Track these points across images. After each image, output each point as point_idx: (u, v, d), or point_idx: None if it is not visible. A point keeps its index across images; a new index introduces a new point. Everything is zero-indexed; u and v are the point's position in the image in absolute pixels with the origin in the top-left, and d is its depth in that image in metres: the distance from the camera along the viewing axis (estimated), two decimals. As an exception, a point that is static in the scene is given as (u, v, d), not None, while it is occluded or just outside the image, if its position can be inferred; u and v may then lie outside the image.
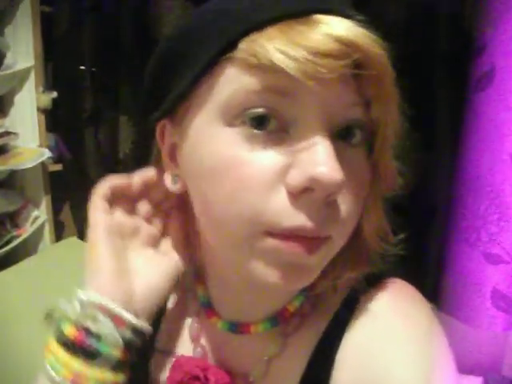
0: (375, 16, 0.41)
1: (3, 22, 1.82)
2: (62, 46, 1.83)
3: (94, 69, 1.75)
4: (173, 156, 0.50)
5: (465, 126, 1.33)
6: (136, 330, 0.48)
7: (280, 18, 0.39)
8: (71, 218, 1.95)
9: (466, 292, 1.40)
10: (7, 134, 1.78)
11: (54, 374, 0.45)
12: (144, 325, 0.49)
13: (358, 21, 0.40)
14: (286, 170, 0.40)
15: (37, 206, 1.90)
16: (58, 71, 1.88)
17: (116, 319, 0.47)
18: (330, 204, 0.41)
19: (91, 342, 0.45)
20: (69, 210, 1.97)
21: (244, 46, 0.39)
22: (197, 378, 0.52)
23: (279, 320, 0.53)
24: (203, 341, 0.57)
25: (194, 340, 0.57)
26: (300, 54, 0.37)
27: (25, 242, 1.84)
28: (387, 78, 0.41)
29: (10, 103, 1.87)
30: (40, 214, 1.89)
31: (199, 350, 0.56)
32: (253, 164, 0.40)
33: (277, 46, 0.37)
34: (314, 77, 0.37)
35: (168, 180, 0.50)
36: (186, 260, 0.56)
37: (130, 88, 1.68)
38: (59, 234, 2.00)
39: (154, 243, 0.55)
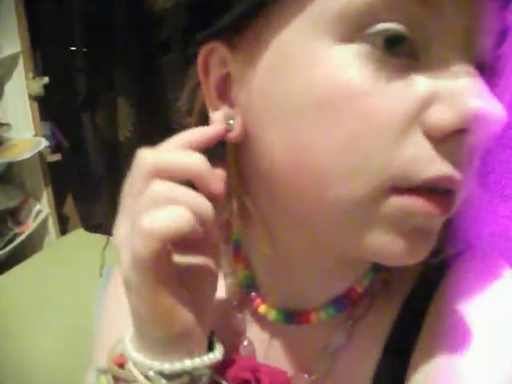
0: None
1: (-17, 8, 1.74)
2: (49, 28, 1.74)
3: (85, 49, 1.66)
4: (223, 91, 0.38)
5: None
6: None
7: None
8: (75, 210, 1.87)
9: (497, 248, 1.34)
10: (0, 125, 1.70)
11: None
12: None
13: None
14: (424, 106, 0.30)
15: (38, 199, 1.83)
16: (48, 55, 1.79)
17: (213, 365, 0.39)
18: (470, 155, 0.32)
19: None
20: (72, 201, 1.89)
21: None
22: (247, 382, 0.43)
23: (345, 303, 0.44)
24: (250, 334, 0.48)
25: (239, 335, 0.48)
26: None
27: (29, 238, 1.78)
28: None
29: (0, 93, 1.79)
30: (42, 208, 1.82)
31: (246, 345, 0.47)
32: (383, 97, 0.30)
33: None
34: None
35: (220, 123, 0.38)
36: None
37: (125, 67, 1.60)
38: (64, 226, 1.93)
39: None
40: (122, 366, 0.37)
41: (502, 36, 0.33)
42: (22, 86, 1.73)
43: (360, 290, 0.44)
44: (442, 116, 0.30)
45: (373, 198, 0.32)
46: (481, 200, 1.30)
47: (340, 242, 0.37)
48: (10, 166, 1.78)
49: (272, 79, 0.34)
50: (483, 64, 0.33)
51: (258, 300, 0.47)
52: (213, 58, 0.38)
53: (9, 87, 1.77)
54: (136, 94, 1.59)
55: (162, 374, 0.36)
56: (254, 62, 0.35)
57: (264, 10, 0.33)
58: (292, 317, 0.45)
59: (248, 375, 0.43)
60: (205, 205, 0.34)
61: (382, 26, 0.30)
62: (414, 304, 0.43)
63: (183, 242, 0.35)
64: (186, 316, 0.35)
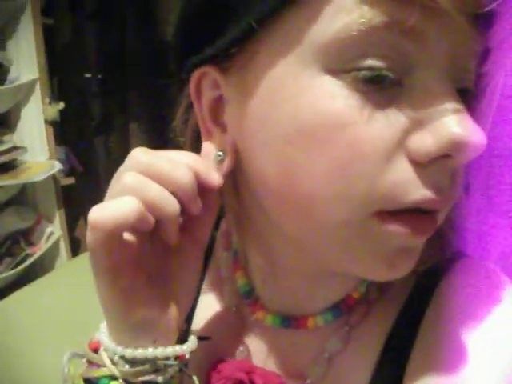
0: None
1: (5, 36, 1.81)
2: (65, 56, 1.82)
3: (100, 75, 1.72)
4: (216, 114, 0.39)
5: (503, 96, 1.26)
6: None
7: None
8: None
9: (505, 270, 1.31)
10: (15, 148, 1.75)
11: None
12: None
13: None
14: (407, 133, 0.31)
15: (51, 221, 1.86)
16: (64, 81, 1.86)
17: (180, 358, 0.39)
18: (453, 178, 0.33)
19: None
20: (84, 225, 1.92)
21: None
22: (241, 382, 0.44)
23: (342, 309, 0.45)
24: (246, 339, 0.49)
25: (236, 339, 0.49)
26: None
27: (41, 259, 1.81)
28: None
29: (17, 117, 1.84)
30: (54, 230, 1.86)
31: (242, 349, 0.48)
32: (368, 125, 0.31)
33: None
34: (460, 10, 0.30)
35: (212, 152, 0.39)
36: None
37: (137, 93, 1.65)
38: (76, 249, 1.96)
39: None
40: (96, 350, 0.38)
41: (483, 56, 0.35)
42: (39, 112, 1.78)
43: (356, 296, 0.45)
44: (424, 142, 0.31)
45: (358, 221, 0.33)
46: (487, 223, 1.29)
47: (327, 259, 0.38)
48: (24, 187, 1.82)
49: (262, 105, 0.35)
50: (467, 85, 0.34)
51: (256, 306, 0.48)
52: (205, 81, 0.38)
53: (26, 112, 1.82)
54: (148, 119, 1.63)
55: (125, 359, 0.37)
56: (245, 86, 0.36)
57: (254, 38, 0.34)
58: (289, 321, 0.46)
59: (242, 375, 0.44)
60: (170, 205, 0.34)
61: (366, 62, 0.30)
62: (410, 312, 0.44)
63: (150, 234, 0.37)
64: (145, 304, 0.36)
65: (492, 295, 0.41)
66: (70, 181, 1.89)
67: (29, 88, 1.78)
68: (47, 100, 1.78)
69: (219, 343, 0.48)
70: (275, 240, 0.43)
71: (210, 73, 0.38)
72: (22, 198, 1.87)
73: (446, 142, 0.30)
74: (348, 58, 0.31)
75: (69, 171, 1.89)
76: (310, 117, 0.32)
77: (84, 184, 1.87)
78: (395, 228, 0.33)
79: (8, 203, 1.81)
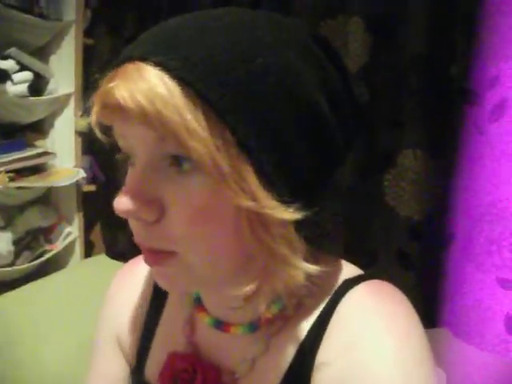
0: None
1: (49, 52, 1.97)
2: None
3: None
4: None
5: (481, 155, 1.36)
6: None
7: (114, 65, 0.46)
8: (101, 237, 2.02)
9: (479, 318, 1.37)
10: (46, 153, 1.88)
11: None
12: None
13: (169, 65, 0.41)
14: None
15: (69, 223, 1.98)
16: None
17: None
18: (157, 224, 0.45)
19: None
20: (100, 230, 2.04)
21: None
22: (185, 371, 0.56)
23: (258, 325, 0.55)
24: (195, 338, 0.60)
25: (187, 337, 0.60)
26: (95, 105, 0.44)
27: (56, 256, 1.92)
28: (168, 123, 0.41)
29: (50, 126, 1.99)
30: (72, 231, 1.97)
31: (190, 346, 0.60)
32: None
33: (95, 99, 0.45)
34: (107, 121, 0.46)
35: None
36: None
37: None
38: (89, 251, 2.07)
39: None
40: None
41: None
42: (70, 123, 1.93)
43: (269, 315, 0.54)
44: None
45: None
46: (466, 272, 1.37)
47: None
48: (49, 189, 1.95)
49: None
50: (179, 153, 0.43)
51: (200, 308, 0.59)
52: None
53: (59, 121, 1.97)
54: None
55: None
56: None
57: None
58: (219, 324, 0.57)
59: (187, 365, 0.56)
60: None
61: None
62: (319, 324, 0.53)
63: None
64: None
65: (378, 304, 0.51)
66: (91, 188, 2.00)
67: (64, 100, 1.93)
68: (79, 113, 1.92)
69: (176, 341, 0.61)
70: None
71: None
72: (46, 198, 1.99)
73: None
74: None
75: (91, 179, 2.00)
76: None
77: (103, 192, 1.99)
78: (143, 254, 0.48)
79: (33, 202, 1.91)
